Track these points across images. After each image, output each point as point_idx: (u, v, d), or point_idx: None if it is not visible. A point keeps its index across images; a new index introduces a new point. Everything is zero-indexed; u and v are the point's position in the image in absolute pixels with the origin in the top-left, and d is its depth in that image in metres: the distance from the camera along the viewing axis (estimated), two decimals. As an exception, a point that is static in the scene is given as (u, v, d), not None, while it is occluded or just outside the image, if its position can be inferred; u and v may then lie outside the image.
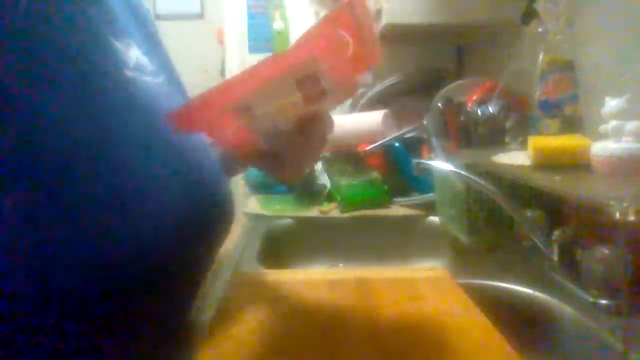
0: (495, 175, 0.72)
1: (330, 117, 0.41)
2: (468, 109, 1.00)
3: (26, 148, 0.31)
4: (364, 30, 0.33)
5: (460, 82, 1.16)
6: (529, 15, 0.87)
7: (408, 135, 1.12)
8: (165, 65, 0.51)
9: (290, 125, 0.39)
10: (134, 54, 0.41)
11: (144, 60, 0.43)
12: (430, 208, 1.04)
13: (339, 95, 0.38)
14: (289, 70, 0.33)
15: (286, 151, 0.41)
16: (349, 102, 1.34)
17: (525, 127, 0.90)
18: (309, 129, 0.39)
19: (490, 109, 0.95)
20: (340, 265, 1.03)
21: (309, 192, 1.19)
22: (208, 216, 0.44)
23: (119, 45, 0.39)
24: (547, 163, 0.65)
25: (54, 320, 0.31)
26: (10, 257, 0.29)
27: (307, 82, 0.34)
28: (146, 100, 0.40)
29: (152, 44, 0.50)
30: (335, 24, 0.32)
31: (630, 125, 0.56)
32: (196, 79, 0.85)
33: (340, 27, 0.32)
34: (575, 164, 0.63)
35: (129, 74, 0.38)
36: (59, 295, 0.30)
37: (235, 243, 0.92)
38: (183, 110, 0.34)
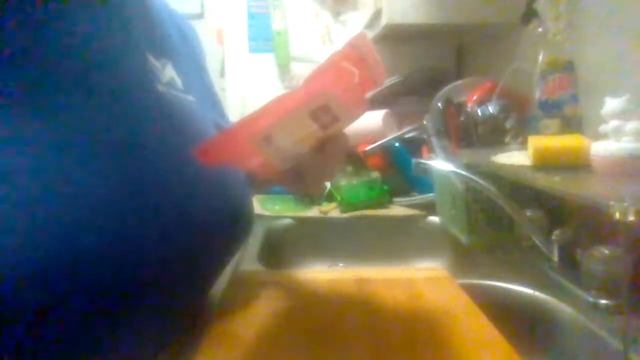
0: (495, 175, 0.72)
1: (344, 135, 0.44)
2: (468, 109, 1.00)
3: (62, 147, 0.32)
4: (367, 60, 0.36)
5: (460, 82, 1.16)
6: (529, 15, 0.87)
7: (408, 135, 1.12)
8: (201, 87, 0.55)
9: (308, 148, 0.41)
10: (168, 73, 0.44)
11: (177, 79, 0.46)
12: (430, 208, 1.04)
13: (350, 116, 0.40)
14: (302, 103, 0.36)
15: (306, 169, 0.44)
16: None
17: (525, 127, 0.90)
18: (326, 148, 0.42)
19: (490, 109, 0.95)
20: (340, 265, 1.03)
21: (313, 195, 1.19)
22: (228, 226, 0.47)
23: (155, 62, 0.42)
24: (547, 163, 0.65)
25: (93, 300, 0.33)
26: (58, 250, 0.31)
27: (320, 112, 0.36)
28: (175, 114, 0.43)
29: (194, 67, 0.55)
30: (341, 59, 0.36)
31: (630, 125, 0.56)
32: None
33: (346, 61, 0.36)
34: (575, 164, 0.63)
35: (160, 88, 0.41)
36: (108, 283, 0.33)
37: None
38: (209, 145, 0.37)
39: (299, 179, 0.45)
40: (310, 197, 1.16)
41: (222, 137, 0.38)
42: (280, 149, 0.38)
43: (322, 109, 0.36)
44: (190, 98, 0.47)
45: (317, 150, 0.42)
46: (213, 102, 0.59)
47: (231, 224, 0.48)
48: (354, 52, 0.36)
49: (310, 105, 0.36)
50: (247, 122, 0.36)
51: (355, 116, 0.41)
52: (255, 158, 0.39)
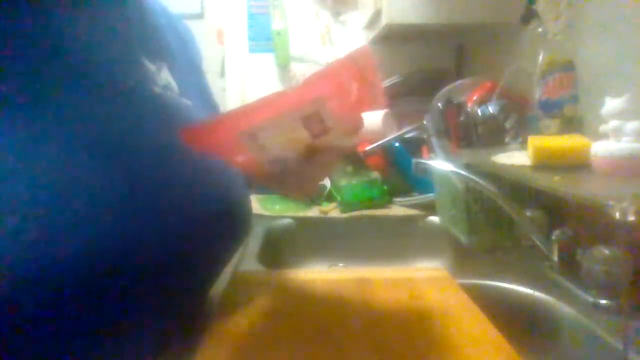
0: (495, 175, 0.72)
1: (336, 149, 0.44)
2: (468, 109, 1.00)
3: (61, 147, 0.32)
4: (367, 77, 0.36)
5: (460, 82, 1.16)
6: (529, 15, 0.87)
7: (408, 135, 1.12)
8: (197, 89, 0.55)
9: (295, 154, 0.41)
10: (164, 75, 0.44)
11: (173, 82, 0.46)
12: (430, 208, 1.04)
13: (343, 131, 0.40)
14: (293, 107, 0.36)
15: (291, 175, 0.43)
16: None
17: (525, 127, 0.90)
18: (313, 158, 0.42)
19: (490, 109, 0.95)
20: (340, 265, 1.03)
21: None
22: (227, 226, 0.47)
23: (150, 65, 0.42)
24: (547, 163, 0.65)
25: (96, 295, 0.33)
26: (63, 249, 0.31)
27: (312, 120, 0.37)
28: (171, 116, 0.43)
29: (191, 70, 0.55)
30: (339, 70, 0.35)
31: (630, 125, 0.56)
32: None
33: (344, 74, 0.35)
34: (575, 164, 0.63)
35: (157, 90, 0.41)
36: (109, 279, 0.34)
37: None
38: (195, 129, 0.37)
39: (283, 184, 0.45)
40: (309, 198, 1.16)
41: (211, 124, 0.38)
42: (266, 148, 0.38)
43: (313, 116, 0.36)
44: (186, 101, 0.47)
45: (305, 159, 0.42)
46: (209, 104, 0.59)
47: (230, 223, 0.48)
48: (354, 67, 0.35)
49: (302, 110, 0.36)
50: (238, 115, 0.36)
51: (349, 133, 0.41)
52: (241, 152, 0.39)
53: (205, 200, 0.43)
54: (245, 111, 0.35)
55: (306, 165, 0.42)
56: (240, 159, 0.40)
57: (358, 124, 0.41)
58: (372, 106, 0.39)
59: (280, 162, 0.41)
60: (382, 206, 1.11)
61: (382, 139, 1.13)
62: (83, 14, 0.37)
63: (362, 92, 0.36)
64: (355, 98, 0.36)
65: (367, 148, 1.14)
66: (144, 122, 0.39)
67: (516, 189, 0.74)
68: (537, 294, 0.64)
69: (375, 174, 1.15)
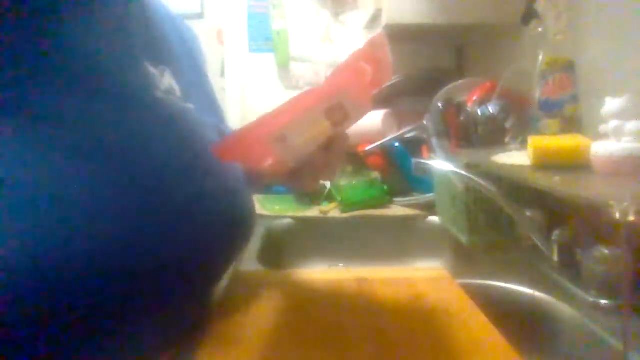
0: (495, 175, 0.72)
1: (346, 134, 0.44)
2: (468, 109, 1.00)
3: (66, 151, 0.32)
4: (381, 60, 0.38)
5: (460, 82, 1.16)
6: (529, 15, 0.87)
7: (408, 135, 1.12)
8: (201, 93, 0.55)
9: (317, 147, 0.42)
10: (167, 80, 0.44)
11: (176, 87, 0.46)
12: (430, 208, 1.04)
13: (359, 114, 0.41)
14: (319, 102, 0.37)
15: (308, 167, 0.44)
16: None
17: (525, 127, 0.90)
18: (330, 147, 0.43)
19: (490, 109, 0.95)
20: (340, 265, 1.03)
21: (309, 192, 1.19)
22: (231, 227, 0.47)
23: (153, 70, 0.42)
24: (547, 163, 0.65)
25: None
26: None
27: (334, 110, 0.37)
28: (174, 119, 0.43)
29: (194, 73, 0.55)
30: (359, 58, 0.37)
31: (630, 125, 0.56)
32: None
33: (363, 60, 0.37)
34: (575, 164, 0.62)
35: (159, 95, 0.42)
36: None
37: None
38: (225, 143, 0.38)
39: (297, 176, 0.45)
40: (307, 195, 1.16)
41: (240, 135, 0.39)
42: (294, 148, 0.39)
43: (336, 107, 0.37)
44: (189, 105, 0.47)
45: (323, 149, 0.42)
46: (213, 107, 0.59)
47: (234, 225, 0.48)
48: (370, 51, 0.36)
49: (326, 104, 0.37)
50: (263, 122, 0.36)
51: (363, 114, 0.41)
52: (268, 157, 0.40)
53: (209, 203, 0.43)
54: (272, 116, 0.36)
55: (323, 154, 0.43)
56: (266, 164, 0.41)
57: (370, 103, 0.41)
58: (382, 84, 0.40)
59: (304, 158, 0.42)
60: (382, 206, 1.11)
61: (382, 139, 1.13)
62: (85, 19, 0.36)
63: (375, 73, 0.37)
64: (370, 79, 0.37)
65: (367, 148, 1.14)
66: (146, 127, 0.39)
67: (516, 189, 0.74)
68: (537, 294, 0.64)
69: (375, 174, 1.15)
